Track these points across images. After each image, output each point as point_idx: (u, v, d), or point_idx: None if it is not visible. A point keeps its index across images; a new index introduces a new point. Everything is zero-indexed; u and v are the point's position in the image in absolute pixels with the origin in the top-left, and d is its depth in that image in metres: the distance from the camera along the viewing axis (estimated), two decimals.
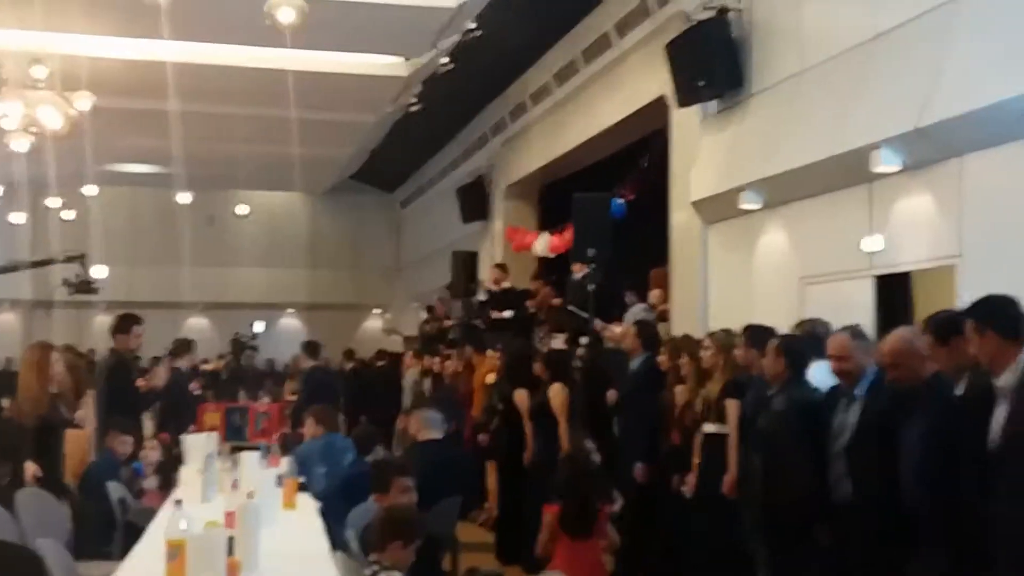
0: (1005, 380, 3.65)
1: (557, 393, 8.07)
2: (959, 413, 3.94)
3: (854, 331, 4.85)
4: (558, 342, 10.57)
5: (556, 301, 11.17)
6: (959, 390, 3.99)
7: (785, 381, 5.12)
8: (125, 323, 7.70)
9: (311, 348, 11.24)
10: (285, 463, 6.23)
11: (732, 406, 5.79)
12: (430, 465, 4.80)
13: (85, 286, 10.39)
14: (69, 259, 10.21)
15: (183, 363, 9.43)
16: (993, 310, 3.73)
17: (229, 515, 4.11)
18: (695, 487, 6.11)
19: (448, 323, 14.56)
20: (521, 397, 7.95)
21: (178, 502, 3.71)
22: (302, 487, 5.84)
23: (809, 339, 5.52)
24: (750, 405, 5.53)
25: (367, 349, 19.51)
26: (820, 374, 5.14)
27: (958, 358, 3.95)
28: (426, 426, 5.45)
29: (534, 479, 8.29)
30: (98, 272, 10.78)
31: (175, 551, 3.49)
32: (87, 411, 6.82)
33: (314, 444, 6.75)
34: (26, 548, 4.48)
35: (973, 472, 3.77)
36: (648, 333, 7.54)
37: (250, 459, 5.87)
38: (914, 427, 4.14)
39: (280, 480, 5.50)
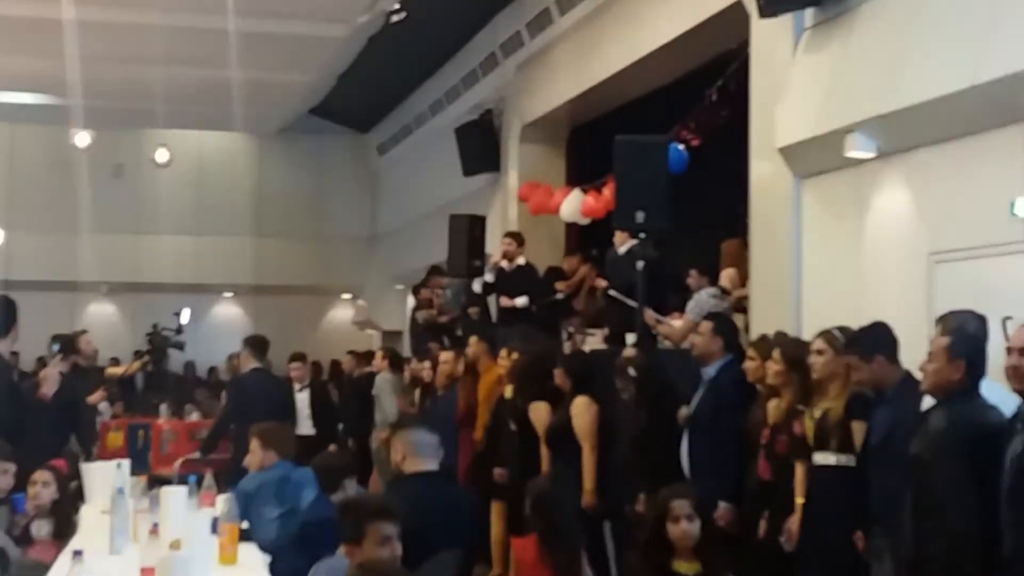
0: None
1: (583, 410, 8.17)
2: None
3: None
4: (595, 340, 10.65)
5: (600, 283, 11.21)
6: None
7: (951, 393, 5.15)
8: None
9: (257, 345, 11.25)
10: (222, 502, 6.25)
11: (860, 431, 5.95)
12: (420, 507, 4.81)
13: None
14: None
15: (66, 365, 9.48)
16: None
17: (147, 572, 4.17)
18: (799, 535, 6.23)
19: (441, 315, 14.63)
20: (539, 414, 7.99)
21: (77, 554, 3.77)
22: (245, 535, 5.86)
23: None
24: (880, 428, 5.69)
25: (333, 347, 19.65)
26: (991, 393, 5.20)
27: None
28: (415, 453, 5.44)
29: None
30: None
31: None
32: None
33: (262, 477, 6.78)
34: None
35: None
36: (728, 329, 7.68)
37: (175, 497, 5.92)
38: None
39: (216, 525, 5.50)
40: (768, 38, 9.32)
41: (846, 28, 8.40)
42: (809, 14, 8.79)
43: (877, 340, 5.98)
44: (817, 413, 6.30)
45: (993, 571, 4.80)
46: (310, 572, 4.93)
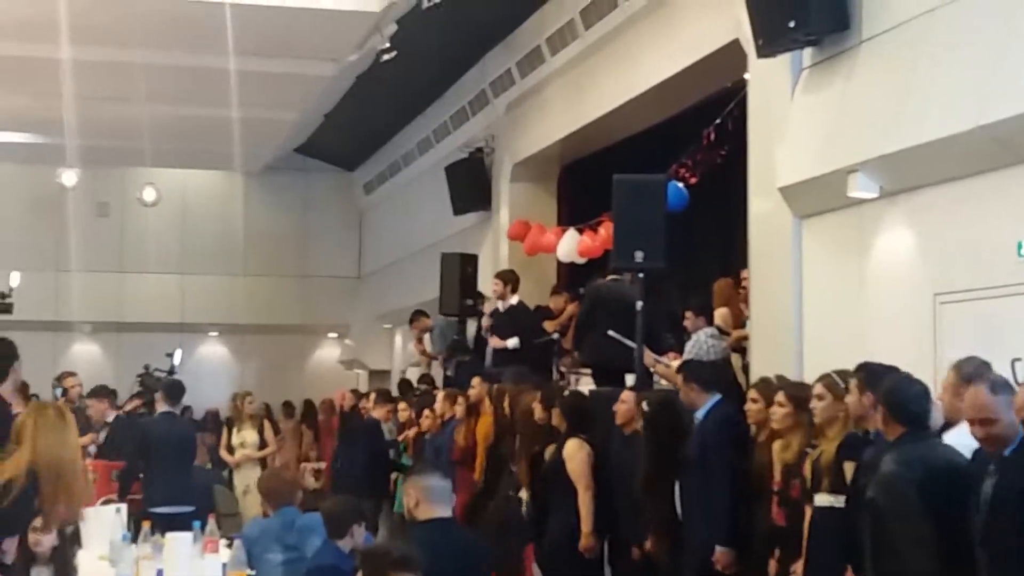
0: None
1: (575, 452, 8.18)
2: None
3: (992, 381, 4.94)
4: (588, 380, 10.65)
5: None
6: None
7: (900, 436, 5.26)
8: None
9: (173, 391, 11.24)
10: (228, 548, 6.21)
11: (851, 470, 5.92)
12: (436, 554, 4.73)
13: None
14: None
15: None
16: None
17: None
18: None
19: (430, 358, 14.62)
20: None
21: None
22: None
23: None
24: (864, 470, 5.63)
25: (319, 386, 19.58)
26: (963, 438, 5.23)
27: None
28: (428, 499, 5.40)
29: (548, 568, 8.38)
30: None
31: None
32: None
33: (265, 523, 6.73)
34: None
35: None
36: (700, 372, 7.71)
37: (180, 543, 5.88)
38: None
39: (224, 572, 5.45)
40: (766, 77, 9.34)
41: (846, 67, 8.41)
42: (808, 53, 8.80)
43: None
44: (815, 456, 6.32)
45: None
46: None
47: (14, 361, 7.26)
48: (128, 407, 12.83)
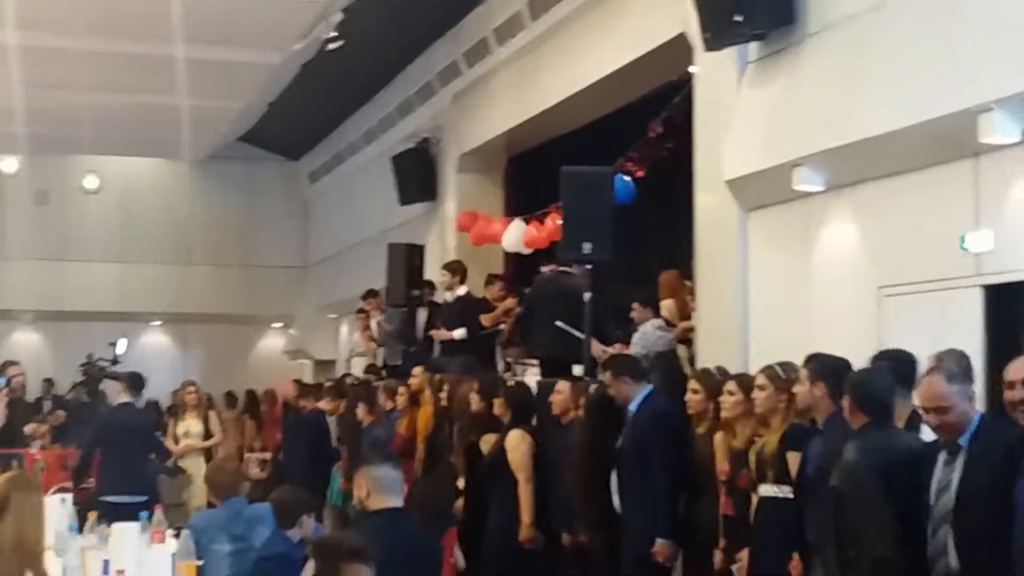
0: None
1: (517, 443, 8.17)
2: None
3: (947, 371, 5.05)
4: (533, 372, 10.66)
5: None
6: None
7: (864, 425, 5.30)
8: None
9: (134, 382, 11.22)
10: (175, 539, 6.18)
11: (794, 460, 5.95)
12: (387, 544, 4.71)
13: None
14: None
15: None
16: None
17: None
18: (750, 567, 6.27)
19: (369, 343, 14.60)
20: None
21: None
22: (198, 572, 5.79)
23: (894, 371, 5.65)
24: (814, 460, 5.69)
25: (264, 376, 19.49)
26: None
27: None
28: (380, 489, 5.38)
29: (489, 557, 8.36)
30: None
31: None
32: None
33: (213, 514, 6.69)
34: None
35: None
36: (628, 365, 7.66)
37: (127, 533, 5.84)
38: None
39: (173, 563, 5.42)
40: (712, 71, 9.35)
41: (792, 62, 8.44)
42: (754, 48, 8.84)
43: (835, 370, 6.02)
44: (759, 447, 6.34)
45: None
46: None
47: None
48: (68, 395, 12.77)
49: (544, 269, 11.10)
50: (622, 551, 7.26)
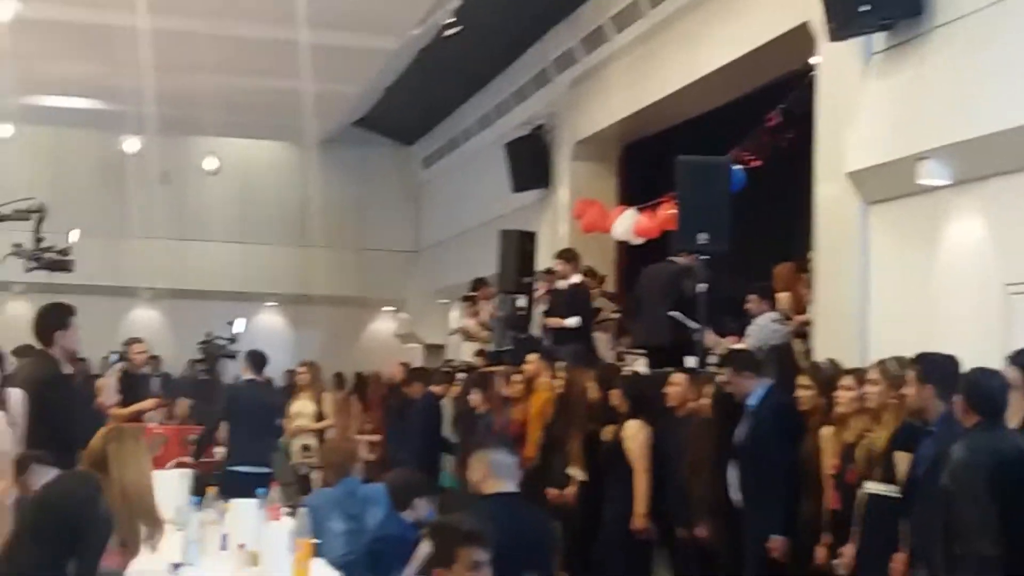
0: None
1: (635, 433, 8.19)
2: None
3: None
4: (641, 363, 10.63)
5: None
6: None
7: (975, 425, 5.32)
8: (58, 315, 7.62)
9: (256, 360, 11.47)
10: (292, 516, 6.26)
11: (903, 461, 5.98)
12: (502, 528, 4.74)
13: (58, 260, 9.99)
14: (20, 215, 9.79)
15: None
16: None
17: None
18: (854, 564, 6.28)
19: (481, 330, 14.64)
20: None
21: (176, 566, 3.77)
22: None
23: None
24: (925, 461, 5.69)
25: (374, 359, 19.62)
26: None
27: None
28: (494, 474, 5.43)
29: (604, 547, 8.38)
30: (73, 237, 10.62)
31: None
32: None
33: (329, 493, 6.78)
34: None
35: None
36: (747, 360, 7.68)
37: (245, 509, 5.94)
38: None
39: (291, 540, 5.49)
40: (836, 61, 9.29)
41: (919, 53, 8.35)
42: (879, 38, 8.77)
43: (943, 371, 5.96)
44: (868, 443, 6.36)
45: None
46: None
47: (62, 327, 7.30)
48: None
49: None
50: (742, 545, 7.25)
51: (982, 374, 5.52)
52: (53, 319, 7.35)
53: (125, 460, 5.46)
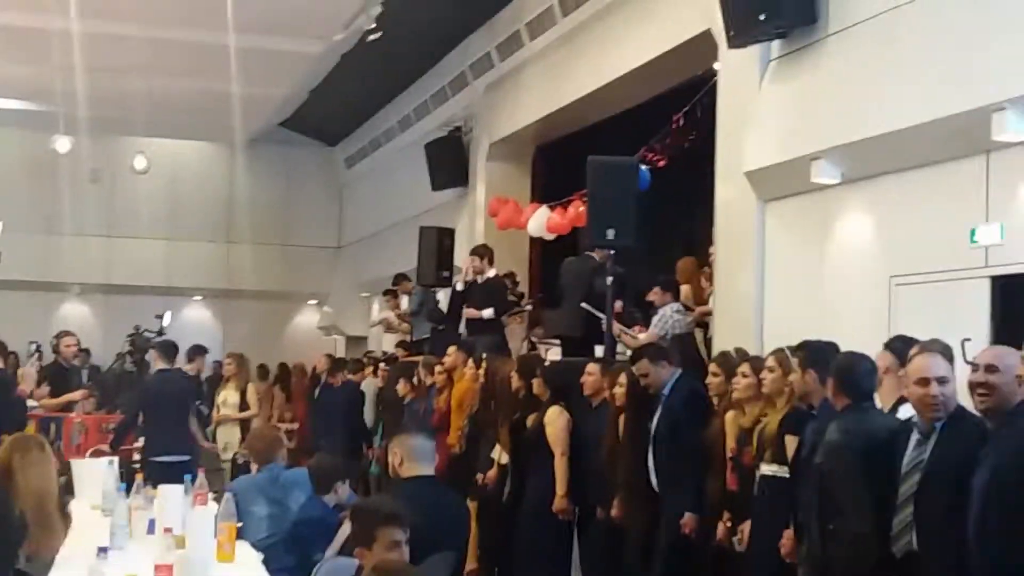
0: None
1: (555, 418, 8.19)
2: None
3: (944, 350, 5.11)
4: (555, 352, 10.66)
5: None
6: None
7: (846, 407, 5.37)
8: None
9: (166, 349, 11.30)
10: (217, 501, 6.20)
11: (792, 443, 5.97)
12: (420, 510, 4.73)
13: None
14: None
15: None
16: None
17: (161, 569, 4.12)
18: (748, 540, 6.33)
19: (401, 322, 14.64)
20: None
21: (103, 550, 3.74)
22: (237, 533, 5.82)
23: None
24: (808, 442, 5.69)
25: (299, 350, 19.53)
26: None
27: None
28: (413, 458, 5.41)
29: (524, 527, 8.39)
30: None
31: None
32: None
33: (252, 479, 6.76)
34: None
35: None
36: (661, 352, 7.61)
37: (172, 495, 5.88)
38: (984, 470, 4.50)
39: (215, 523, 5.44)
40: (735, 67, 9.34)
41: (813, 59, 8.42)
42: (776, 45, 8.82)
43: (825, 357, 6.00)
44: (762, 427, 6.37)
45: (887, 568, 4.94)
46: (313, 572, 4.86)
47: None
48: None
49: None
50: (660, 525, 7.23)
51: (850, 358, 5.57)
52: None
53: (29, 469, 5.49)
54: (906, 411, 5.30)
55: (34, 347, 11.34)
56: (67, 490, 7.24)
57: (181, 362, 11.93)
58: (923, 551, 4.77)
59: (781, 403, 6.29)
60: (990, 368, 4.69)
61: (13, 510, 5.31)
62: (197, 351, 12.68)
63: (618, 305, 9.84)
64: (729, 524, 6.65)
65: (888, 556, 4.91)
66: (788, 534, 5.87)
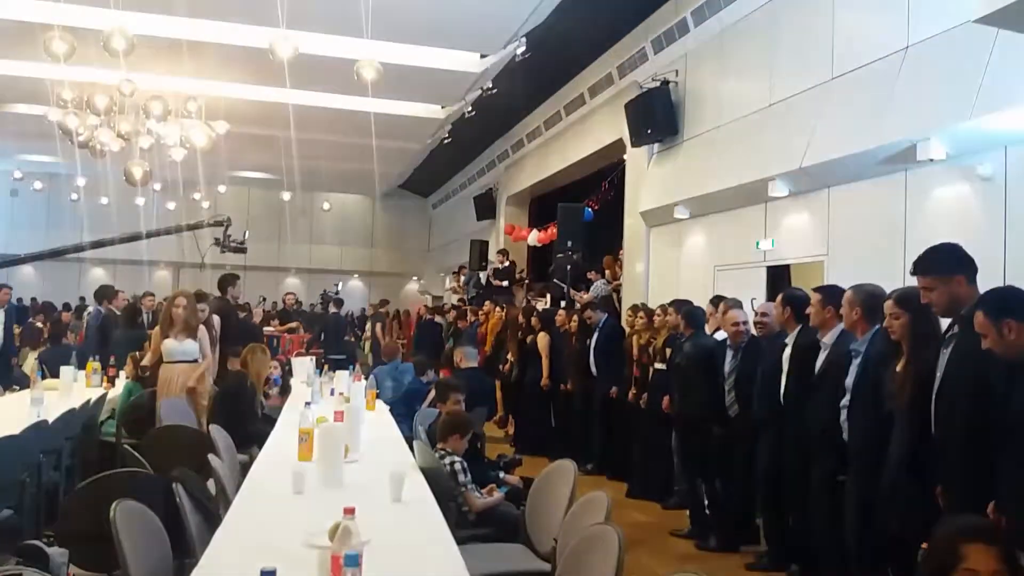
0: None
1: (542, 338, 8.13)
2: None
3: (738, 304, 5.01)
4: (543, 303, 10.59)
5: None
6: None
7: (691, 334, 5.36)
8: (230, 279, 7.48)
9: (337, 303, 11.22)
10: (363, 379, 6.20)
11: (668, 353, 5.89)
12: (469, 385, 4.78)
13: (236, 245, 9.93)
14: (217, 223, 9.81)
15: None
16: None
17: (338, 413, 4.09)
18: (647, 403, 6.18)
19: (460, 289, 14.55)
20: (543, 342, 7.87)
21: (308, 404, 3.71)
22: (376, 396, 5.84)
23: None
24: (677, 352, 5.63)
25: (406, 302, 19.47)
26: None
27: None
28: (466, 358, 5.46)
29: (526, 396, 8.34)
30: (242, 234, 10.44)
31: (305, 436, 3.51)
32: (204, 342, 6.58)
33: (385, 367, 6.74)
34: (199, 431, 4.48)
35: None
36: (608, 304, 7.50)
37: (342, 376, 5.87)
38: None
39: (365, 390, 5.46)
40: (635, 157, 9.25)
41: (675, 153, 8.38)
42: (656, 146, 8.77)
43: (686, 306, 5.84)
44: (655, 345, 6.23)
45: (723, 422, 4.79)
46: (415, 417, 4.84)
47: (236, 280, 7.09)
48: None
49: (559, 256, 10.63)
50: (595, 393, 7.03)
51: (692, 307, 5.58)
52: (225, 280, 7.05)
53: (255, 362, 5.22)
54: (720, 336, 5.30)
55: (263, 299, 11.19)
56: (288, 372, 7.22)
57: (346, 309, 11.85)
58: (743, 411, 4.67)
59: (663, 333, 6.16)
60: (763, 314, 4.73)
61: (247, 381, 5.24)
62: (339, 303, 12.41)
63: (574, 281, 9.80)
64: (635, 393, 6.57)
65: (724, 415, 4.81)
66: (667, 399, 5.76)
